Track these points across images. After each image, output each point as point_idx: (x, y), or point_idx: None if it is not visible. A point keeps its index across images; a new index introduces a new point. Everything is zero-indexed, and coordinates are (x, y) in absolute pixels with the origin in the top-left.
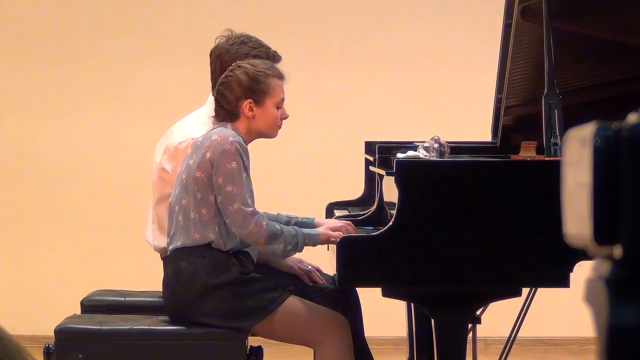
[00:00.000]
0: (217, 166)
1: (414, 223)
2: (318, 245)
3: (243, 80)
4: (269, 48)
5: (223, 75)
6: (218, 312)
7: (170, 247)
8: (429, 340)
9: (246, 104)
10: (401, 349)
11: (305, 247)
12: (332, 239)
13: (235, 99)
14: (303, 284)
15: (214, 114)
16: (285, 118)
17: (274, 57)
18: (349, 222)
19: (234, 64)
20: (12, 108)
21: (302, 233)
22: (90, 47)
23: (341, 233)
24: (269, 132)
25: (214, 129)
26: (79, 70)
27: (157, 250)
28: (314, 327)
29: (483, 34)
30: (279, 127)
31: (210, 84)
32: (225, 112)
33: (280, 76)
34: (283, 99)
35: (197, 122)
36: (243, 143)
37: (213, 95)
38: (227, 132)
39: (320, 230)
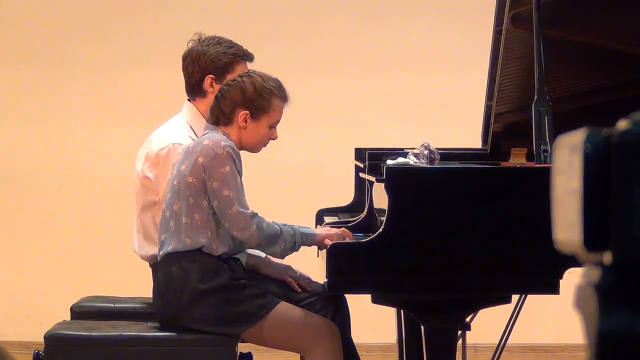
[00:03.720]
0: (210, 171)
1: (403, 230)
2: (308, 253)
3: (248, 90)
4: (242, 47)
5: (231, 78)
6: (208, 318)
7: (161, 252)
8: (418, 346)
9: (242, 114)
10: (390, 356)
11: (296, 254)
12: (327, 240)
13: (233, 104)
14: (292, 290)
15: (185, 117)
16: (273, 139)
17: (248, 56)
18: (345, 229)
19: (245, 71)
20: None
21: (299, 232)
22: (80, 53)
23: (338, 235)
24: (253, 148)
25: (205, 134)
26: (68, 76)
27: (144, 259)
28: (304, 334)
29: (473, 41)
30: (265, 145)
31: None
32: (221, 114)
33: (284, 99)
34: (278, 121)
35: (175, 128)
36: (235, 147)
37: (214, 102)
38: (218, 137)
39: (317, 231)
